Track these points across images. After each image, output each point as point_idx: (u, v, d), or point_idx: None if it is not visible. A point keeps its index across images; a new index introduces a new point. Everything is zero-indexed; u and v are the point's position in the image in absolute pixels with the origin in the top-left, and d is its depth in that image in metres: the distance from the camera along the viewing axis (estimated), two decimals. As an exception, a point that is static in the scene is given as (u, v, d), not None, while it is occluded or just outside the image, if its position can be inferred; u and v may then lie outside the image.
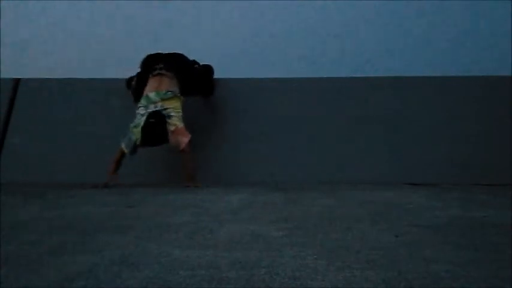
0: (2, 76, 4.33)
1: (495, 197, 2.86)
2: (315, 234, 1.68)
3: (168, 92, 3.56)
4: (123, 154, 3.53)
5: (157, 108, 3.50)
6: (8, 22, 5.24)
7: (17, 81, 4.27)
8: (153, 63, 3.75)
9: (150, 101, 3.53)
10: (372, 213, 2.19)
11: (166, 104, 3.52)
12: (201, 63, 3.96)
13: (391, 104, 4.04)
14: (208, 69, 4.01)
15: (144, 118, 3.47)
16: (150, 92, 3.58)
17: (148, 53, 3.87)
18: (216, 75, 4.05)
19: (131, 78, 3.96)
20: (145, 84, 3.69)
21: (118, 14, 5.39)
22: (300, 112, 4.03)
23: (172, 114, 3.50)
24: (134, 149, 3.51)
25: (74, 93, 4.23)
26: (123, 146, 3.51)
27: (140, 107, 3.56)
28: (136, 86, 3.82)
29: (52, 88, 4.26)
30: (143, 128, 3.43)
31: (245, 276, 1.14)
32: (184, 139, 3.46)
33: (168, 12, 5.37)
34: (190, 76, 3.81)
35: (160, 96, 3.53)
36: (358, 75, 4.18)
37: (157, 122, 3.44)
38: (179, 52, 3.87)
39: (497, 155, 3.77)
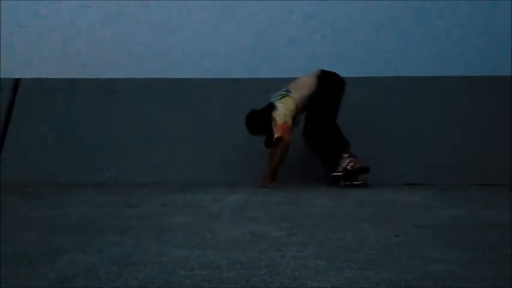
0: (2, 76, 4.33)
1: (495, 197, 2.86)
2: (315, 234, 1.68)
3: (283, 91, 3.59)
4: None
5: (271, 100, 3.58)
6: (8, 22, 5.24)
7: (17, 81, 4.27)
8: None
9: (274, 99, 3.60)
10: (372, 213, 2.19)
11: (279, 101, 3.54)
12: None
13: (391, 104, 4.04)
14: None
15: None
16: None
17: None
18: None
19: None
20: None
21: (118, 14, 5.39)
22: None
23: (278, 107, 3.50)
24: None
25: (74, 93, 4.23)
26: None
27: None
28: None
29: (52, 88, 4.26)
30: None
31: (245, 276, 1.14)
32: (275, 135, 3.45)
33: (168, 11, 5.37)
34: (322, 91, 3.61)
35: (277, 98, 3.56)
36: (358, 75, 4.16)
37: (264, 111, 3.53)
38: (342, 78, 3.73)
39: (496, 155, 3.77)
